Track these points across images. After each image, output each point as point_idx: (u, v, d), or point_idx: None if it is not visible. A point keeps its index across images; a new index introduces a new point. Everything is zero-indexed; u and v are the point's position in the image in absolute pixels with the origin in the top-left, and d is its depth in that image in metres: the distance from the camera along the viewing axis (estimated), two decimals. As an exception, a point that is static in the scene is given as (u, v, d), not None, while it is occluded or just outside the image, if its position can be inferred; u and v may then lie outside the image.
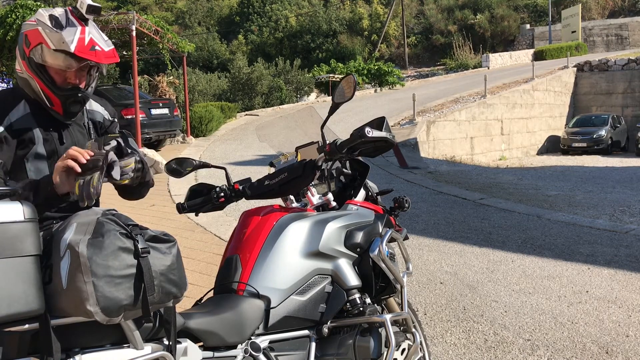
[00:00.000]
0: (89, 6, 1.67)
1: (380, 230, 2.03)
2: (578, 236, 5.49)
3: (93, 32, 1.70)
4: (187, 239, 5.37)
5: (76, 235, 1.27)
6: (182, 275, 1.39)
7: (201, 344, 1.57)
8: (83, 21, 1.69)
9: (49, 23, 1.67)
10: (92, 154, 1.50)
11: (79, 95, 1.77)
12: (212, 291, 1.84)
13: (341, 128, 10.14)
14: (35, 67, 1.71)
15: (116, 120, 2.04)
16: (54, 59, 1.68)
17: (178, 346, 1.46)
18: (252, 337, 1.69)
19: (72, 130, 1.84)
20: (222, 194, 2.08)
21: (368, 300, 1.96)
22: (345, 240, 1.93)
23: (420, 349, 2.28)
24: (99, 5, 1.72)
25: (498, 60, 29.44)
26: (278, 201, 2.10)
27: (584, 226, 5.90)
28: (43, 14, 1.70)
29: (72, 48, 1.64)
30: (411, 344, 2.05)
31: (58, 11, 1.70)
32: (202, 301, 1.82)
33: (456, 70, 31.38)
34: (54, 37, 1.65)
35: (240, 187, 2.08)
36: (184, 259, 1.48)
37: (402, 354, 2.00)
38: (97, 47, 1.68)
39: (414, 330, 2.10)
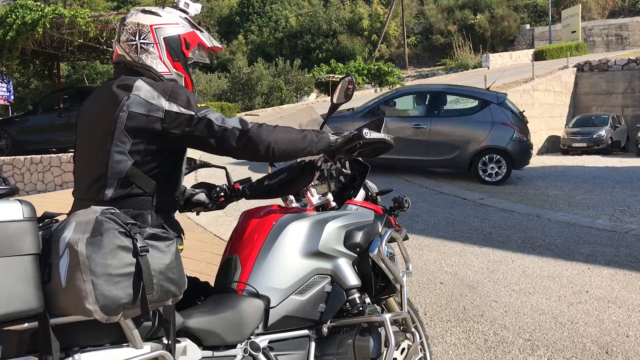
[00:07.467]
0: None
1: (380, 230, 2.03)
2: (578, 236, 5.49)
3: None
4: (187, 239, 5.31)
5: (75, 234, 1.27)
6: (181, 273, 1.39)
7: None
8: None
9: (194, 23, 1.88)
10: None
11: None
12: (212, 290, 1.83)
13: (341, 128, 10.09)
14: (187, 66, 1.89)
15: None
16: (203, 56, 1.94)
17: (177, 345, 1.46)
18: (252, 337, 1.68)
19: None
20: (222, 194, 2.08)
21: (368, 300, 1.96)
22: (344, 240, 1.93)
23: (421, 349, 2.27)
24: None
25: (498, 60, 29.41)
26: (278, 201, 2.10)
27: (584, 226, 5.90)
28: (181, 14, 1.87)
29: (220, 45, 1.94)
30: (411, 343, 2.04)
31: (181, 14, 1.87)
32: (202, 301, 1.82)
33: (456, 70, 31.37)
34: (205, 37, 1.91)
35: (240, 187, 2.08)
36: (184, 259, 1.47)
37: (401, 353, 2.00)
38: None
39: (413, 329, 2.09)
